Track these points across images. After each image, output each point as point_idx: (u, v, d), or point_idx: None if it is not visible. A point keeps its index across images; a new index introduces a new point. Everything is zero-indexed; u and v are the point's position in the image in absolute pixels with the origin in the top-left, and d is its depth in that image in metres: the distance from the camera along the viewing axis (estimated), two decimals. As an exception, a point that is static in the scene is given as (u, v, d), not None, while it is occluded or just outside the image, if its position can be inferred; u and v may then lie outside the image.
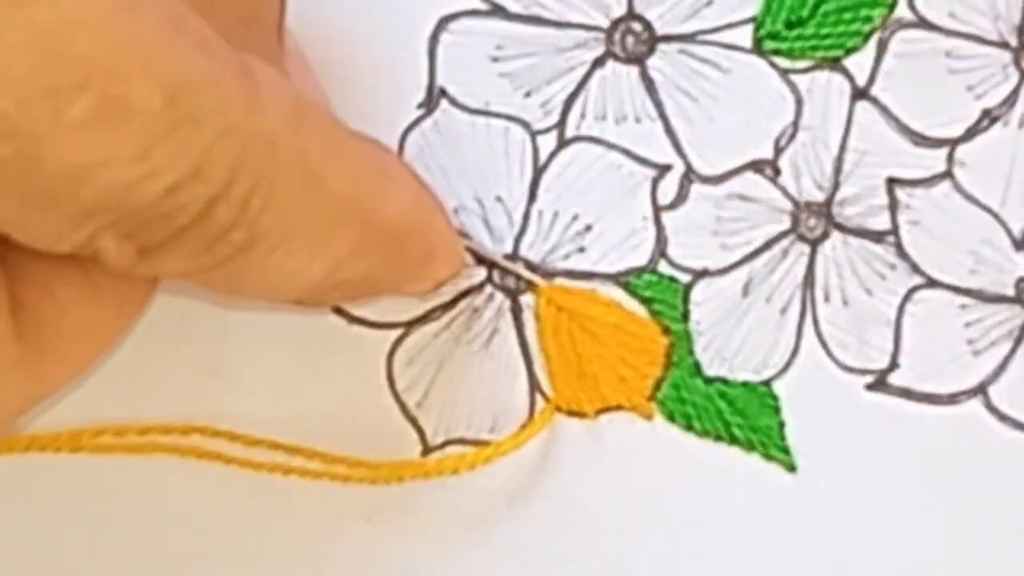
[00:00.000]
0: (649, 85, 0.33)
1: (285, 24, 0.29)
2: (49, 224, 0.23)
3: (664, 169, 0.33)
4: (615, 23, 0.33)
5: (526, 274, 0.33)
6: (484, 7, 0.33)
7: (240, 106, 0.24)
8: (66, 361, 0.27)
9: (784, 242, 0.33)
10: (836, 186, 0.33)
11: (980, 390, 0.33)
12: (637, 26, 0.33)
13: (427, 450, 0.33)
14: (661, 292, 0.33)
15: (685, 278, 0.33)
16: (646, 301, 0.33)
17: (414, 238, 0.29)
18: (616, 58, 0.33)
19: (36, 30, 0.21)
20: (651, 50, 0.33)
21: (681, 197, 0.33)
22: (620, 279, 0.33)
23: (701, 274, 0.33)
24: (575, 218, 0.33)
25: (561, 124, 0.33)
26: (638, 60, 0.33)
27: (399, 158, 0.30)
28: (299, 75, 0.30)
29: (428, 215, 0.30)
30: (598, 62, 0.33)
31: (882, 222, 0.33)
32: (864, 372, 0.33)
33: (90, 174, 0.22)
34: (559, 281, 0.33)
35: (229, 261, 0.25)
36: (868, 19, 0.33)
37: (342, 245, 0.27)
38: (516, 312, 0.33)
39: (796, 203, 0.33)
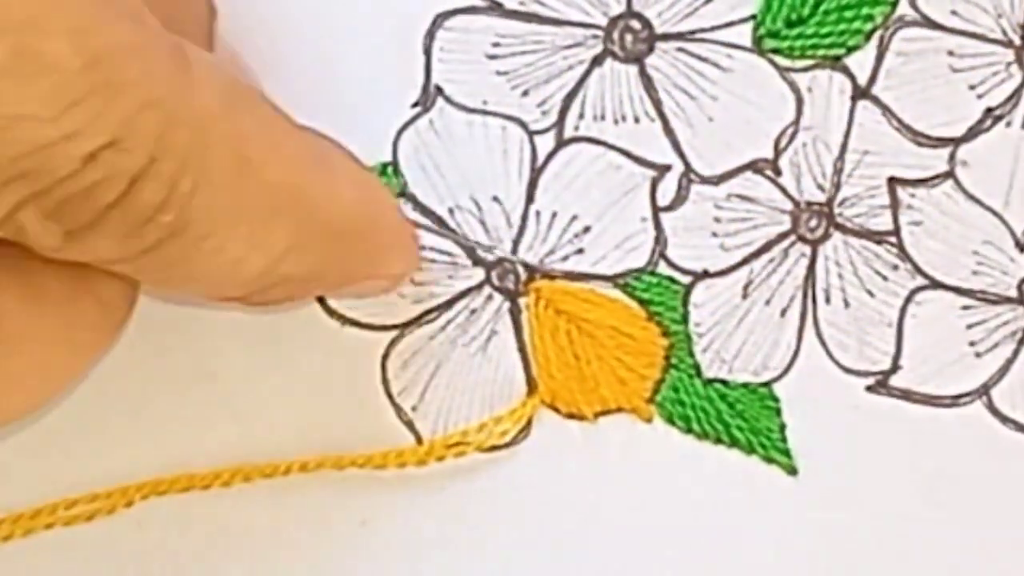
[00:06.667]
0: (648, 84, 0.32)
1: (215, 33, 0.29)
2: None
3: (663, 169, 0.33)
4: (614, 21, 0.32)
5: (523, 270, 0.33)
6: (481, 4, 0.33)
7: (167, 82, 0.23)
8: (17, 372, 0.26)
9: (784, 243, 0.33)
10: (837, 186, 0.33)
11: (983, 392, 0.33)
12: (636, 24, 0.32)
13: (424, 454, 0.33)
14: (660, 294, 0.33)
15: (685, 279, 0.33)
16: (645, 303, 0.33)
17: (360, 233, 0.29)
18: (615, 57, 0.32)
19: None
20: (650, 49, 0.32)
21: (680, 198, 0.33)
22: (619, 281, 0.33)
23: (701, 275, 0.33)
24: (574, 219, 0.33)
25: (559, 124, 0.32)
26: (637, 59, 0.32)
27: (347, 152, 0.30)
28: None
29: (375, 210, 0.29)
30: (596, 61, 0.32)
31: (883, 223, 0.33)
32: (865, 374, 0.33)
33: (4, 127, 0.22)
34: (557, 282, 0.33)
35: (160, 247, 0.25)
36: (869, 17, 0.32)
37: (281, 237, 0.27)
38: (515, 314, 0.33)
39: (797, 203, 0.33)
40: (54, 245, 0.24)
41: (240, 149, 0.25)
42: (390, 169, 0.33)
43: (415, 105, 0.33)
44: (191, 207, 0.24)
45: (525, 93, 0.33)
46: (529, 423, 0.33)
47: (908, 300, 0.33)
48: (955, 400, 0.33)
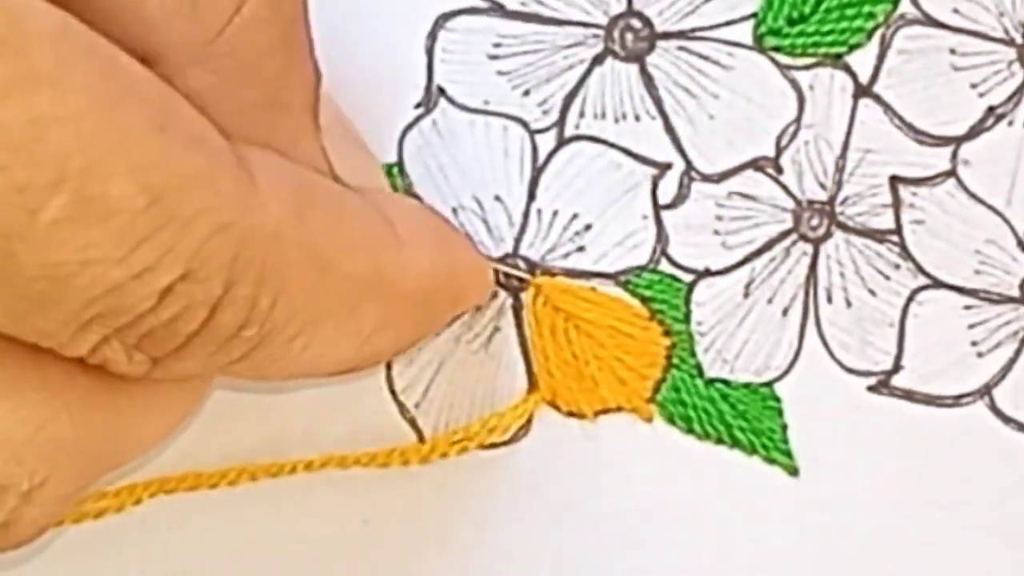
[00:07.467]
0: (649, 82, 0.33)
1: (320, 99, 0.28)
2: (47, 331, 0.23)
3: (664, 167, 0.33)
4: (614, 20, 0.32)
5: (520, 274, 0.33)
6: (483, 4, 0.33)
7: (235, 203, 0.23)
8: (161, 401, 0.26)
9: (786, 242, 0.33)
10: (839, 185, 0.33)
11: (984, 392, 0.33)
12: (636, 23, 0.32)
13: (424, 451, 0.33)
14: (662, 291, 0.33)
15: (687, 278, 0.33)
16: (647, 300, 0.33)
17: (440, 292, 0.29)
18: (615, 56, 0.32)
19: (5, 129, 0.20)
20: (651, 47, 0.32)
21: (682, 196, 0.33)
22: (620, 278, 0.33)
23: (703, 274, 0.33)
24: (575, 217, 0.33)
25: (560, 123, 0.33)
26: (638, 57, 0.32)
27: (410, 205, 0.29)
28: (341, 146, 0.28)
29: (451, 264, 0.29)
30: (597, 60, 0.33)
31: (885, 221, 0.33)
32: (867, 374, 0.33)
33: (72, 274, 0.22)
34: (558, 279, 0.33)
35: (246, 357, 0.25)
36: (871, 15, 0.32)
37: (367, 321, 0.26)
38: (517, 310, 0.33)
39: (798, 202, 0.33)
40: (141, 372, 0.24)
41: (315, 251, 0.25)
42: (395, 170, 0.33)
43: (418, 106, 0.33)
44: (272, 319, 0.24)
45: (526, 93, 0.33)
46: (530, 420, 0.33)
47: (910, 300, 0.33)
48: (957, 400, 0.33)
